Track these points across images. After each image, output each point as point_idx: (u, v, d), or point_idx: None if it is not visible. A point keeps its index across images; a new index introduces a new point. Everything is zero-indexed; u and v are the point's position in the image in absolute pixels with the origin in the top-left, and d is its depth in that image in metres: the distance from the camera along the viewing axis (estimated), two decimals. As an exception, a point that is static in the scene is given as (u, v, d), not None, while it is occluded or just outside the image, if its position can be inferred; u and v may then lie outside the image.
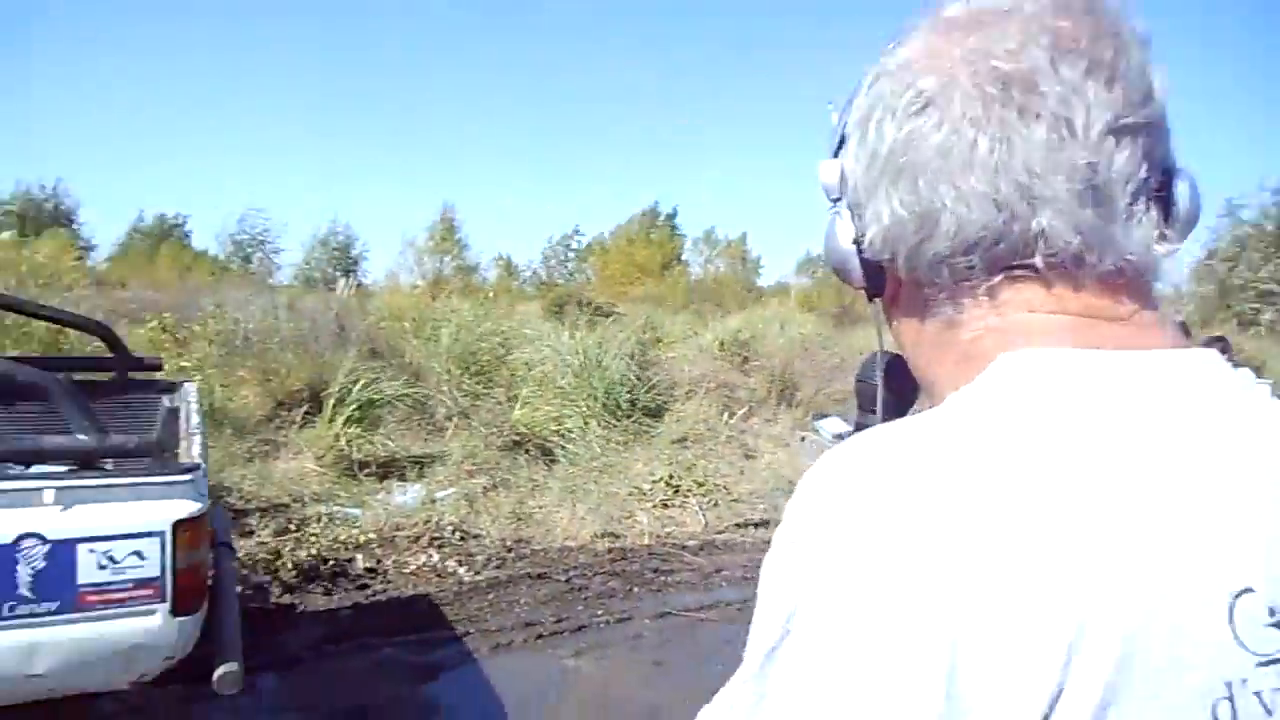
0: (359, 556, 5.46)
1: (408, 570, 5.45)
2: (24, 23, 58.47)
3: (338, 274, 28.13)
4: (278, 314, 8.89)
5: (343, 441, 7.03)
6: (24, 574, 2.20)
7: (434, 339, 9.71)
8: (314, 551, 5.35)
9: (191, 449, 2.71)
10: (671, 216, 40.88)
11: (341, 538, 5.60)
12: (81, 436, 2.33)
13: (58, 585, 2.23)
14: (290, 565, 5.14)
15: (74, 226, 30.79)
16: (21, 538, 2.20)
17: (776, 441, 8.86)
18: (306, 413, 7.46)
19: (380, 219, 67.78)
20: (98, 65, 60.55)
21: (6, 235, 21.70)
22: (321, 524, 5.71)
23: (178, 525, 2.32)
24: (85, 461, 2.38)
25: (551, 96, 71.31)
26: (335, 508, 6.15)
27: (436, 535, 5.82)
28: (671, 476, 7.24)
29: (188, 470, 2.44)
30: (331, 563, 5.33)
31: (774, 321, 13.55)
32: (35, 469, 2.66)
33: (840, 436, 1.15)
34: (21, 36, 58.61)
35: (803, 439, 8.57)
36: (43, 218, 29.84)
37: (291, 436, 7.23)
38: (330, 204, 67.50)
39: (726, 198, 69.41)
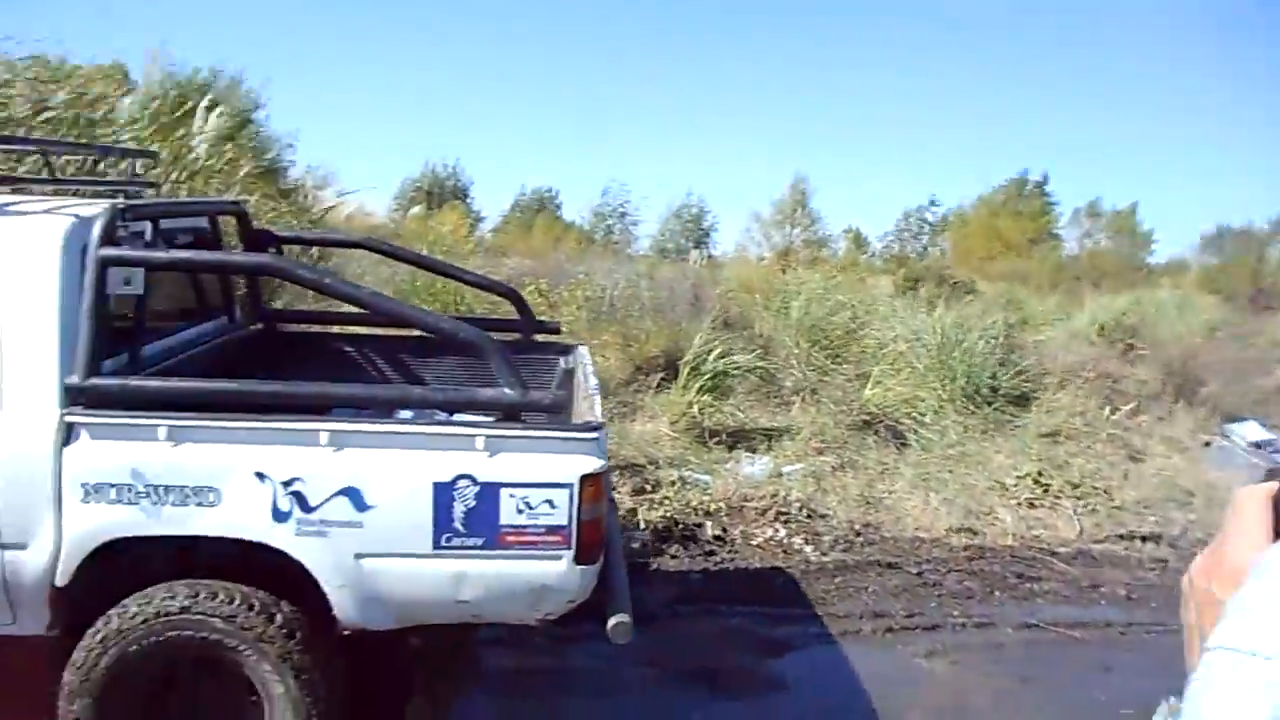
0: (708, 523, 5.59)
1: (754, 542, 5.48)
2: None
3: (689, 245, 29.36)
4: (640, 283, 9.39)
5: (695, 409, 7.25)
6: (458, 510, 2.48)
7: (783, 312, 9.70)
8: (666, 514, 5.57)
9: (594, 409, 2.88)
10: (1042, 184, 37.19)
11: (693, 503, 5.77)
12: (508, 391, 2.54)
13: (484, 524, 2.49)
14: (645, 525, 5.40)
15: (468, 201, 35.30)
16: (458, 478, 2.47)
17: (1171, 445, 7.66)
18: (662, 379, 7.80)
19: (730, 192, 69.50)
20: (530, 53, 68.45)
21: (417, 210, 25.50)
22: (675, 488, 5.92)
23: (584, 479, 2.47)
24: (508, 414, 2.61)
25: (906, 63, 68.09)
26: (687, 472, 6.35)
27: (783, 510, 5.79)
28: (1040, 473, 6.56)
29: (595, 429, 2.58)
30: (682, 526, 5.51)
31: (1169, 304, 11.76)
32: (457, 417, 3.00)
33: (1259, 445, 0.87)
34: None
35: (1207, 444, 7.31)
36: (444, 193, 34.48)
37: (648, 400, 7.61)
38: (684, 177, 70.63)
39: (1113, 165, 61.42)
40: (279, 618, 2.51)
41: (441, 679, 3.55)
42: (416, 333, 4.16)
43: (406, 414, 3.17)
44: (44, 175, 2.98)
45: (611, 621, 2.58)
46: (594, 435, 2.56)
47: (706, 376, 7.56)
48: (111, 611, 2.48)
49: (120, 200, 2.85)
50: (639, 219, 37.09)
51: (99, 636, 2.46)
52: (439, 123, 62.06)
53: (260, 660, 2.50)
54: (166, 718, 2.61)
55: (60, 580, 2.49)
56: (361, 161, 55.82)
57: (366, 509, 2.46)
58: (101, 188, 3.45)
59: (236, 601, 2.49)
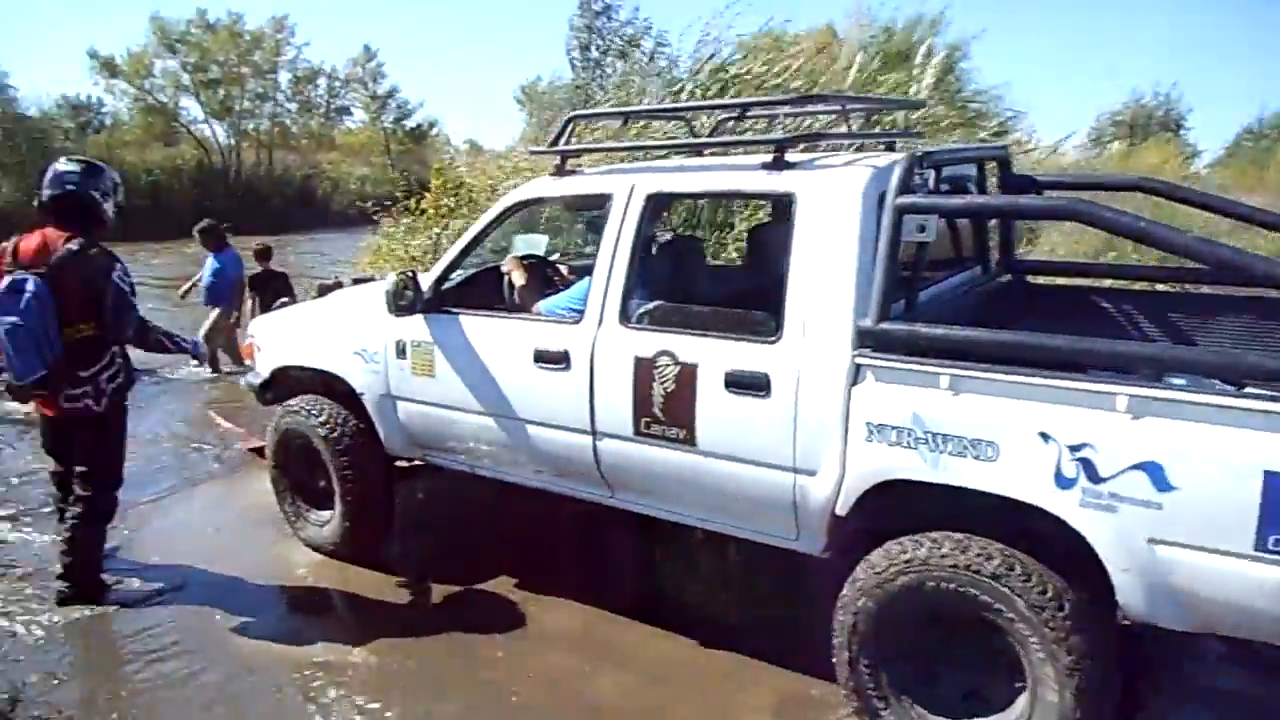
0: None
1: None
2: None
3: None
4: None
5: None
6: None
7: None
8: None
9: None
10: None
11: None
12: None
13: None
14: None
15: (1180, 133, 30.41)
16: None
17: None
18: None
19: None
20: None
21: (1116, 146, 22.75)
22: None
23: None
24: None
25: None
26: None
27: None
28: None
29: None
30: None
31: None
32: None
33: None
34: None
35: None
36: (1151, 125, 30.26)
37: None
38: None
39: None
40: (1087, 629, 2.33)
41: (1163, 691, 3.07)
42: (1184, 289, 3.62)
43: (1179, 380, 2.72)
44: (841, 130, 3.22)
45: None
46: None
47: None
48: (922, 538, 2.54)
49: (917, 150, 2.94)
50: None
51: (904, 556, 2.54)
52: (1147, 48, 54.49)
53: (1047, 662, 2.35)
54: (916, 654, 2.62)
55: (840, 509, 2.69)
56: (1053, 96, 52.33)
57: (1168, 489, 2.14)
58: (880, 140, 3.66)
59: (1049, 594, 2.35)
